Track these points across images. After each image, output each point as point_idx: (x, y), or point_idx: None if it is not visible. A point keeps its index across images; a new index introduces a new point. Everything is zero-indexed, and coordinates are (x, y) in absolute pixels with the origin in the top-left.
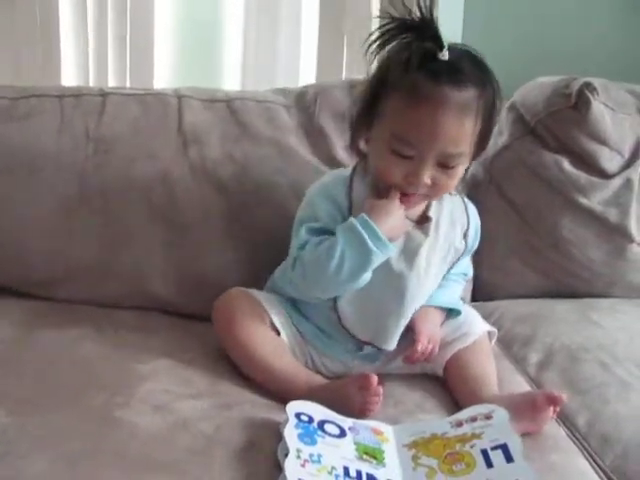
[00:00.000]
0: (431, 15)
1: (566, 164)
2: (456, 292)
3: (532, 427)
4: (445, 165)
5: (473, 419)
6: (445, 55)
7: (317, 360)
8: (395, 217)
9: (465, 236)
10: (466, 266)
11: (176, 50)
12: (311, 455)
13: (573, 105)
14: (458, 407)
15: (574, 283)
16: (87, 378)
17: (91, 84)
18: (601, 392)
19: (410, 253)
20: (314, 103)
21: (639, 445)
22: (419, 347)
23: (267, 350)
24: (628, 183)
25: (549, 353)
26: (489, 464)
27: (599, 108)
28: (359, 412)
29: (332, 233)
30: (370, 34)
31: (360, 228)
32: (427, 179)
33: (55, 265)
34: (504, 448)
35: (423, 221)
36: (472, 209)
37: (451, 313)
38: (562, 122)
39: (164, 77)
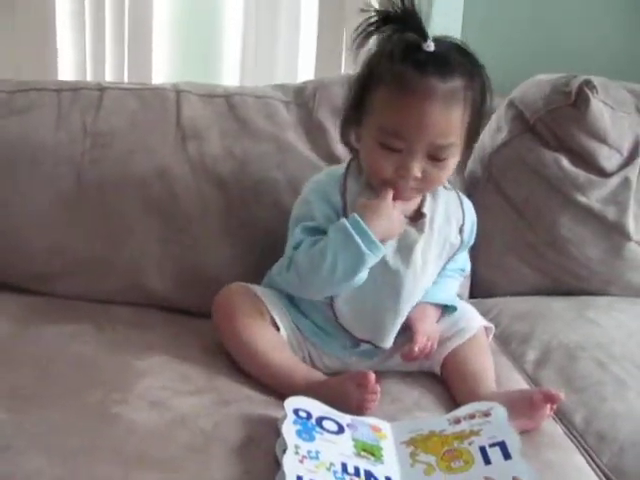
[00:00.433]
0: (413, 6)
1: (565, 162)
2: (452, 288)
3: (529, 425)
4: (435, 157)
5: (471, 416)
6: (430, 46)
7: (315, 356)
8: (388, 217)
9: (461, 231)
10: (463, 261)
11: (174, 45)
12: (309, 451)
13: (572, 103)
14: (456, 404)
15: (572, 281)
16: (85, 374)
17: (88, 79)
18: (598, 390)
19: (406, 250)
20: (313, 99)
21: (636, 443)
22: (417, 347)
23: (266, 345)
24: (626, 182)
25: (546, 351)
26: (487, 461)
27: (598, 106)
28: (356, 409)
29: (327, 232)
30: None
31: (351, 230)
32: (417, 172)
33: (53, 259)
34: (502, 445)
35: (418, 217)
36: (467, 204)
37: (447, 310)
38: (561, 120)
39: (162, 73)
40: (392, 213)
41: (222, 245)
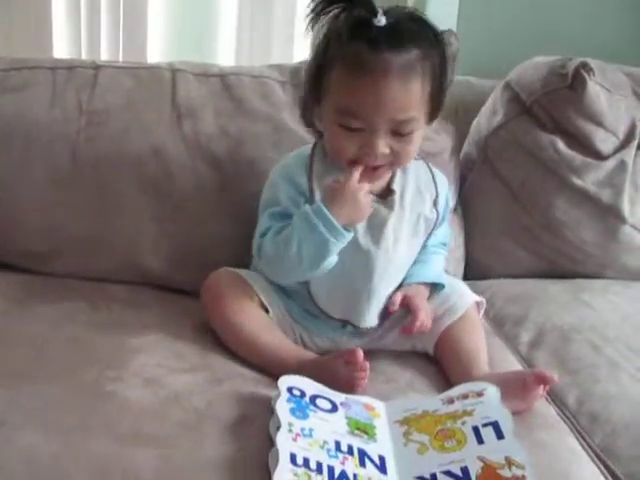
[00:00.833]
0: None
1: (561, 144)
2: (438, 265)
3: (522, 406)
4: (399, 132)
5: (464, 396)
6: (381, 21)
7: (306, 337)
8: (354, 201)
9: (435, 204)
10: (444, 235)
11: (169, 25)
12: (303, 429)
13: (569, 85)
14: (449, 385)
15: (567, 264)
16: (80, 352)
17: (83, 58)
18: (591, 372)
19: (376, 229)
20: None
21: (628, 424)
22: (418, 322)
23: (255, 327)
24: (622, 164)
25: (540, 333)
26: (480, 441)
27: (595, 89)
28: (346, 387)
29: (293, 217)
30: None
31: (314, 217)
32: (383, 148)
33: (47, 238)
34: (495, 425)
35: (387, 194)
36: (440, 176)
37: (435, 288)
38: (558, 102)
39: (157, 52)
40: (358, 196)
41: (217, 224)
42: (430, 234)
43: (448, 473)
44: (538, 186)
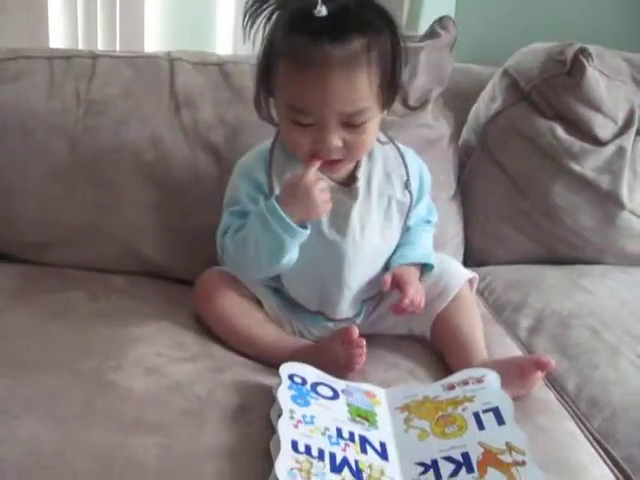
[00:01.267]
0: None
1: (559, 131)
2: (424, 244)
3: (521, 391)
4: (351, 124)
5: (465, 382)
6: (321, 11)
7: (302, 328)
8: (308, 198)
9: (407, 186)
10: (426, 213)
11: (167, 14)
12: (304, 416)
13: (568, 71)
14: (450, 371)
15: (566, 250)
16: (79, 342)
17: (80, 48)
18: (590, 357)
19: (340, 219)
20: None
21: (627, 409)
22: (407, 299)
23: (249, 321)
24: (621, 150)
25: (540, 319)
26: (481, 427)
27: (594, 75)
28: (345, 368)
29: None
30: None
31: (268, 215)
32: (336, 142)
33: (46, 228)
34: (495, 411)
35: (350, 183)
36: (410, 156)
37: (425, 268)
38: (556, 88)
39: (154, 42)
40: (312, 193)
41: (216, 213)
42: (407, 216)
43: (449, 459)
44: (537, 172)
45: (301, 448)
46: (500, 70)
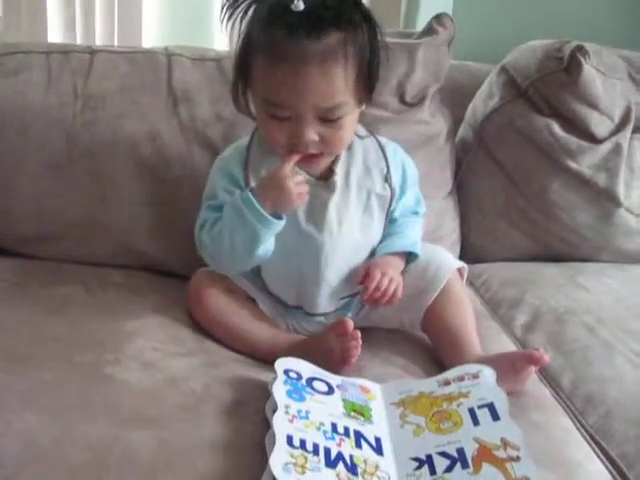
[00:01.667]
0: None
1: (556, 128)
2: (410, 235)
3: (514, 387)
4: (327, 119)
5: (460, 378)
6: (299, 6)
7: (296, 324)
8: (282, 189)
9: (387, 179)
10: (412, 205)
11: (165, 9)
12: (299, 411)
13: (565, 69)
14: (445, 367)
15: (562, 247)
16: (76, 336)
17: (78, 43)
18: (586, 354)
19: (317, 213)
20: None
21: (622, 405)
22: (371, 283)
23: (242, 319)
24: (617, 148)
25: (536, 315)
26: (476, 422)
27: (590, 72)
28: (341, 361)
29: None
30: None
31: (242, 205)
32: (312, 136)
33: (43, 223)
34: (491, 407)
35: (328, 176)
36: (391, 149)
37: (410, 257)
38: (553, 85)
39: (152, 37)
40: (286, 184)
41: None
42: (389, 210)
43: (444, 454)
44: (533, 169)
45: (296, 443)
46: (497, 67)
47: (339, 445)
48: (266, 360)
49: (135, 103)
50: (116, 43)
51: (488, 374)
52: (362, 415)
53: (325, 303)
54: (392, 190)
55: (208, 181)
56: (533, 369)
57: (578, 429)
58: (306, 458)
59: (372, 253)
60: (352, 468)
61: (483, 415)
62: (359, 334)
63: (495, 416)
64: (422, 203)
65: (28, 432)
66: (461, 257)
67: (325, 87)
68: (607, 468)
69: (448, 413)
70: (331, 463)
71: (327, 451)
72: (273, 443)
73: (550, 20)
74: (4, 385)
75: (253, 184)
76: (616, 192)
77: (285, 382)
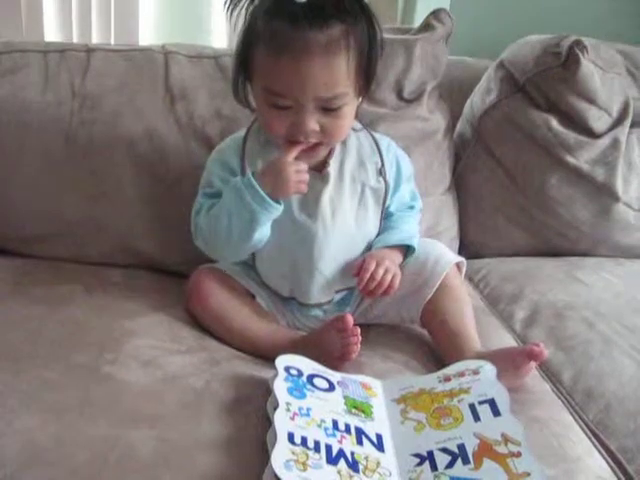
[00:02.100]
0: None
1: (554, 123)
2: (407, 229)
3: (514, 382)
4: (328, 108)
5: (461, 374)
6: None
7: (295, 320)
8: (282, 173)
9: (381, 173)
10: (408, 200)
11: (162, 7)
12: (300, 408)
13: (563, 64)
14: (444, 362)
15: (560, 242)
16: (76, 335)
17: (75, 42)
18: (586, 349)
19: (311, 203)
20: None
21: (621, 400)
22: (366, 273)
23: (243, 317)
24: (616, 143)
25: (535, 310)
26: (477, 418)
27: (589, 67)
28: (341, 357)
29: None
30: None
31: (243, 188)
32: (313, 125)
33: (41, 222)
34: (491, 403)
35: (322, 168)
36: (385, 143)
37: (408, 252)
38: (551, 81)
39: (149, 35)
40: (287, 169)
41: None
42: (384, 204)
43: (445, 450)
44: (532, 165)
45: (297, 440)
46: (495, 62)
47: (340, 442)
48: (267, 357)
49: (132, 101)
50: (113, 41)
51: (489, 370)
52: (363, 412)
53: (319, 294)
54: (386, 184)
55: (205, 171)
56: (533, 364)
57: (578, 424)
58: (307, 455)
59: (369, 247)
60: (353, 465)
61: (484, 411)
62: (359, 330)
63: (496, 412)
64: (418, 198)
65: (28, 432)
66: (460, 252)
67: (327, 77)
68: (607, 462)
69: (449, 409)
70: (332, 460)
71: (328, 448)
72: (274, 440)
73: (547, 15)
74: (4, 385)
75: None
76: (614, 187)
77: (286, 379)
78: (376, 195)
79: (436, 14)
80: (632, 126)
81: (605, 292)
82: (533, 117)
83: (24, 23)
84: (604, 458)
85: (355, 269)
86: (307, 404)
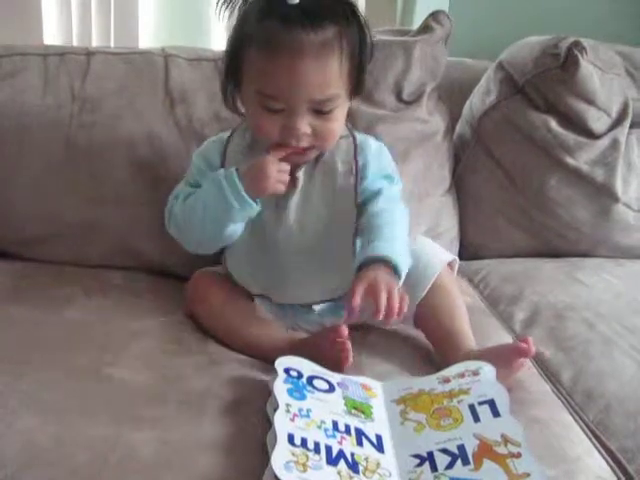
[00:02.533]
0: None
1: (554, 124)
2: (390, 237)
3: (506, 378)
4: (320, 111)
5: (460, 375)
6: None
7: (294, 323)
8: (262, 171)
9: (356, 176)
10: (383, 184)
11: (161, 10)
12: (300, 409)
13: (562, 65)
14: (438, 362)
15: (560, 243)
16: (76, 337)
17: (74, 45)
18: (586, 349)
19: (279, 205)
20: None
21: (621, 400)
22: (353, 300)
23: (242, 319)
24: (615, 143)
25: (535, 311)
26: (476, 419)
27: (587, 68)
28: (334, 366)
29: None
30: None
31: (223, 180)
32: (305, 128)
33: (42, 225)
34: (491, 403)
35: (293, 171)
36: (368, 146)
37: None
38: (550, 82)
39: (149, 38)
40: (268, 167)
41: None
42: (356, 202)
43: (445, 451)
44: (531, 166)
45: (297, 441)
46: (494, 64)
47: (340, 443)
48: (267, 359)
49: (132, 104)
50: (113, 44)
51: (488, 371)
52: (363, 413)
53: (293, 295)
54: (356, 182)
55: (190, 166)
56: (524, 361)
57: (578, 424)
58: (307, 456)
59: (347, 248)
60: (353, 466)
61: (483, 411)
62: (349, 345)
63: (495, 412)
64: (396, 179)
65: (28, 432)
66: (460, 253)
67: (321, 79)
68: (607, 462)
69: (449, 410)
70: (332, 461)
71: (328, 449)
72: (274, 442)
73: (547, 16)
74: (4, 386)
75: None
76: (614, 188)
77: (286, 381)
78: (347, 198)
79: (435, 16)
80: (631, 127)
81: (605, 293)
82: (532, 118)
83: (24, 26)
84: (604, 458)
85: (348, 303)
86: (307, 405)
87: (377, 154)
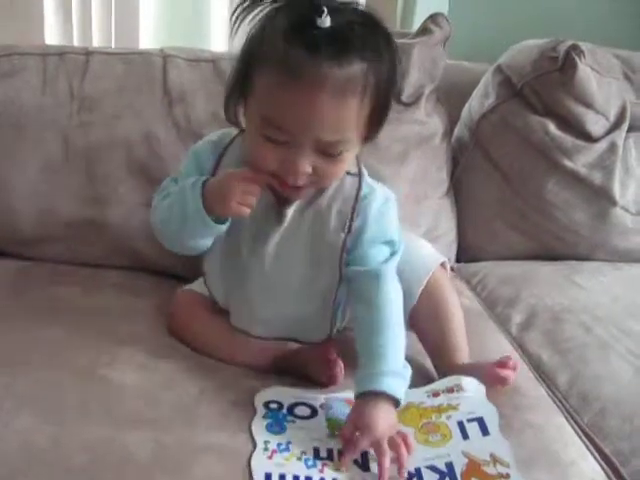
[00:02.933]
0: None
1: (552, 127)
2: (394, 352)
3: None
4: (327, 152)
5: (449, 390)
6: (325, 22)
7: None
8: (228, 188)
9: (344, 231)
10: (380, 259)
11: (161, 11)
12: (279, 444)
13: (560, 68)
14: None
15: (558, 246)
16: (74, 338)
17: (75, 45)
18: (582, 352)
19: (259, 238)
20: None
21: (617, 403)
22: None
23: (229, 343)
24: (613, 147)
25: (532, 314)
26: (465, 436)
27: (585, 71)
28: (326, 382)
29: None
30: None
31: (188, 189)
32: (307, 168)
33: (40, 224)
34: (480, 421)
35: (285, 203)
36: (370, 204)
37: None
38: (548, 85)
39: (149, 39)
40: (233, 187)
41: None
42: (341, 261)
43: (433, 468)
44: (529, 168)
45: (275, 479)
46: (493, 67)
47: (322, 471)
48: (259, 369)
49: (131, 104)
50: (113, 45)
51: (477, 387)
52: None
53: (262, 327)
54: (346, 239)
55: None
56: (510, 374)
57: (573, 427)
58: None
59: (326, 304)
60: None
61: (472, 429)
62: (342, 364)
63: (485, 431)
64: (397, 244)
65: (25, 433)
66: (458, 256)
67: (335, 120)
68: (601, 466)
69: (437, 425)
70: None
71: None
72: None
73: (545, 19)
74: (1, 386)
75: None
76: (612, 191)
77: (264, 416)
78: (332, 252)
79: (434, 18)
80: (629, 130)
81: (603, 296)
82: (530, 121)
83: (25, 27)
84: (597, 461)
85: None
86: (287, 438)
87: (379, 216)
